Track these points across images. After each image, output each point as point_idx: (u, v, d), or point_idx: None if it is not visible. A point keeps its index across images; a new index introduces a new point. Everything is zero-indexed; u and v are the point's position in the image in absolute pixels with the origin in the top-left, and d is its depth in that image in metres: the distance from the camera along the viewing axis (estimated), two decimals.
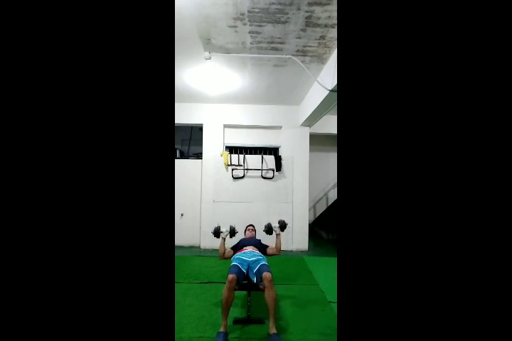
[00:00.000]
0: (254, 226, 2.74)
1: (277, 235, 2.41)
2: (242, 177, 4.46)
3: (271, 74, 3.34)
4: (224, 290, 1.91)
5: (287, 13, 2.17)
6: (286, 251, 4.39)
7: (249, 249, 2.31)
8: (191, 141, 5.52)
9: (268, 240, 2.65)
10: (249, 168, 4.46)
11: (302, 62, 2.91)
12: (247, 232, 2.68)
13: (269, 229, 2.47)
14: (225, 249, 2.36)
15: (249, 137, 4.63)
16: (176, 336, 1.83)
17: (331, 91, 2.77)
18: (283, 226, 2.43)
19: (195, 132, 5.38)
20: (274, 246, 2.43)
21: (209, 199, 4.46)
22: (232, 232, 2.42)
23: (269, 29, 2.39)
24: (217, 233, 2.37)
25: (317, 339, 1.91)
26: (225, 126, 4.58)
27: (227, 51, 2.77)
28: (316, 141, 5.25)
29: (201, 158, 4.56)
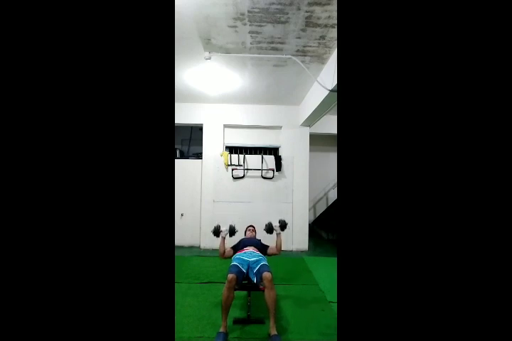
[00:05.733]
0: (254, 227, 2.75)
1: (278, 234, 2.43)
2: (242, 177, 4.46)
3: (271, 74, 3.34)
4: (224, 289, 1.91)
5: (287, 13, 2.17)
6: (286, 251, 4.39)
7: (249, 249, 2.31)
8: (191, 141, 5.52)
9: (268, 240, 2.65)
10: (249, 168, 4.45)
11: (302, 62, 2.91)
12: (248, 232, 2.69)
13: (269, 229, 2.48)
14: (225, 249, 2.36)
15: (249, 137, 4.63)
16: (176, 336, 1.83)
17: (331, 91, 2.77)
18: (283, 225, 2.44)
19: (195, 132, 5.38)
20: (274, 245, 2.44)
21: (209, 199, 4.46)
22: (232, 231, 2.43)
23: (269, 29, 2.39)
24: (217, 232, 2.38)
25: (317, 339, 1.91)
26: (225, 126, 4.58)
27: (227, 51, 2.77)
28: (316, 141, 5.25)
29: (201, 158, 4.55)
